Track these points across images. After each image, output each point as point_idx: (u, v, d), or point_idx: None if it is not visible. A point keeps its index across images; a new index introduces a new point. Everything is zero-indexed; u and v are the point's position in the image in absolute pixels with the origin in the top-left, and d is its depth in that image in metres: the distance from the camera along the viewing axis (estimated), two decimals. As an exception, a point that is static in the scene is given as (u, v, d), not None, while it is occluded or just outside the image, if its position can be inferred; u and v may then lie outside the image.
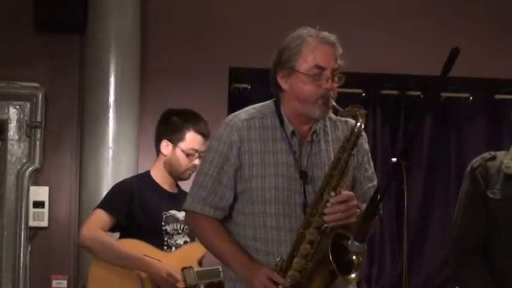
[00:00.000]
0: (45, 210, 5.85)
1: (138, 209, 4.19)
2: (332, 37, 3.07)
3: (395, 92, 6.40)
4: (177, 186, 4.37)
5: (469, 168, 3.55)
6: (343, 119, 3.15)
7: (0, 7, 5.92)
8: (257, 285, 2.95)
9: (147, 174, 4.37)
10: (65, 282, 5.80)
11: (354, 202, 2.94)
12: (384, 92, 6.39)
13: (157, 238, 4.18)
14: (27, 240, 5.87)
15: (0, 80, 5.91)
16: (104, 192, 4.46)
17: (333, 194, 2.93)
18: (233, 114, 3.17)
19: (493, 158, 3.53)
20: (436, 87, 3.81)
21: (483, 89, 6.44)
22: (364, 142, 3.16)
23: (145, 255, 4.13)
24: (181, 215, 4.18)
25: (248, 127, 3.09)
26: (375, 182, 3.16)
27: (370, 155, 3.20)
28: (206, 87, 5.98)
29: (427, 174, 6.43)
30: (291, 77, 3.07)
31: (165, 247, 4.20)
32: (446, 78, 2.72)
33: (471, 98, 6.42)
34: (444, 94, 6.34)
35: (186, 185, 3.85)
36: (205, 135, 4.26)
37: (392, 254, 6.31)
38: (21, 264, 5.84)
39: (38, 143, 5.93)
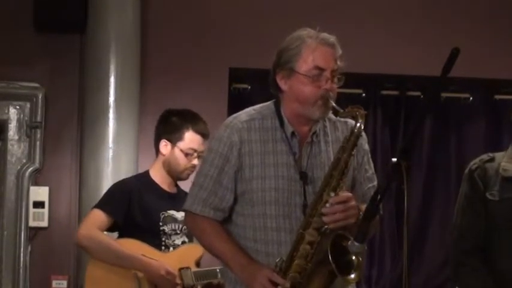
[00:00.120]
0: (45, 210, 5.85)
1: (136, 208, 4.19)
2: (332, 38, 3.06)
3: (395, 92, 6.40)
4: (176, 186, 4.36)
5: (467, 170, 3.54)
6: (342, 119, 3.15)
7: (0, 7, 5.92)
8: (257, 286, 2.94)
9: (146, 174, 4.36)
10: (65, 283, 5.79)
11: (353, 203, 2.94)
12: (384, 92, 6.39)
13: (155, 238, 4.18)
14: (27, 240, 5.86)
15: (0, 80, 5.91)
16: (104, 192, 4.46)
17: (332, 194, 2.93)
18: (233, 115, 3.16)
19: (492, 160, 3.51)
20: (436, 88, 3.80)
21: (483, 89, 6.44)
22: (364, 142, 3.16)
23: (143, 255, 4.12)
24: (179, 215, 4.17)
25: (248, 128, 3.09)
26: (375, 183, 3.16)
27: (370, 155, 3.20)
28: (206, 88, 5.98)
29: (427, 174, 6.43)
30: (290, 78, 3.06)
31: (163, 247, 4.20)
32: (446, 78, 2.72)
33: (471, 98, 6.42)
34: (444, 94, 6.34)
35: (185, 185, 3.85)
36: (204, 135, 4.26)
37: (392, 254, 6.31)
38: (21, 265, 5.84)
39: (38, 143, 5.93)
